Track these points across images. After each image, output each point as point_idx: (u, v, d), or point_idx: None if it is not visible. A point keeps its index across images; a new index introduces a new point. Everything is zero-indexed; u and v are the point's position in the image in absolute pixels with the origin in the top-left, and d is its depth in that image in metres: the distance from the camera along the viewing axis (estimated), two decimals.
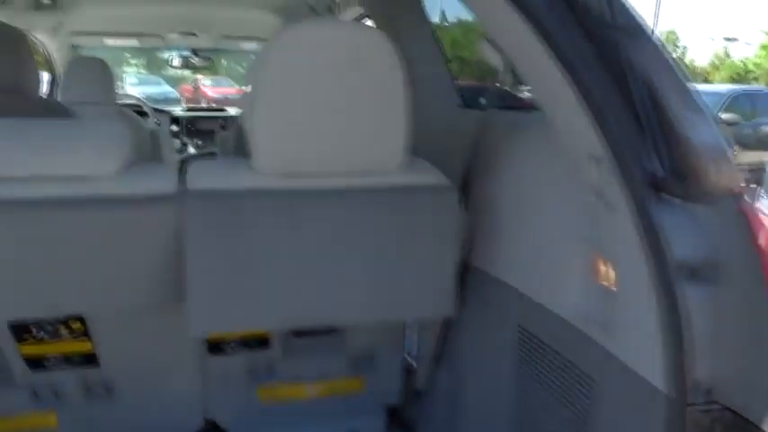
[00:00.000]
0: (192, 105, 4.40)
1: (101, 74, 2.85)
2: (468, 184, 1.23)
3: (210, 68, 4.16)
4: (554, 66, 0.81)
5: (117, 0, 3.03)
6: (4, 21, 2.63)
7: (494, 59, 1.20)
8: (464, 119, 1.45)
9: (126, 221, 1.03)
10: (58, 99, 2.77)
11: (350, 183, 1.10)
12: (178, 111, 4.18)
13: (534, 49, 0.83)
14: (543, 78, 0.89)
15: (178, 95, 16.32)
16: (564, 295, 1.00)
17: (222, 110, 4.38)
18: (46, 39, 3.50)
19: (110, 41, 3.69)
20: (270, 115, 1.05)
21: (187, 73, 19.35)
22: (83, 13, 3.00)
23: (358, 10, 2.31)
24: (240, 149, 1.95)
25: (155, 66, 16.61)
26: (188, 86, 17.44)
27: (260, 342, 1.25)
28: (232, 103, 17.09)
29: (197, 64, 4.04)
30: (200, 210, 1.06)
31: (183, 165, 1.19)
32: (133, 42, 3.74)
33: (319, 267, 1.08)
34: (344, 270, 1.09)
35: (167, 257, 1.04)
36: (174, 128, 4.04)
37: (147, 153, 2.95)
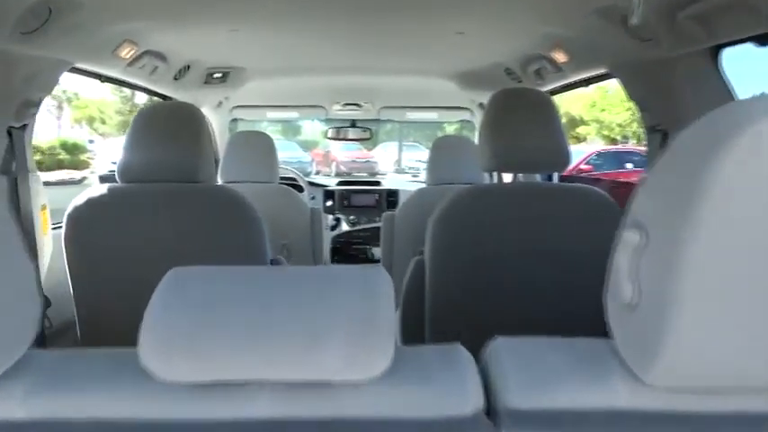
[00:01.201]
0: (345, 179, 4.08)
1: (265, 150, 2.58)
2: None
3: (371, 140, 3.84)
4: None
5: (285, 73, 2.78)
6: (176, 97, 2.43)
7: None
8: None
9: None
10: (218, 175, 2.52)
11: None
12: (333, 185, 3.89)
13: None
14: None
15: (311, 159, 16.86)
16: None
17: (377, 183, 4.02)
18: (208, 112, 3.37)
19: (272, 114, 3.50)
20: (707, 293, 0.50)
21: (318, 137, 20.16)
22: (248, 87, 2.79)
23: (597, 69, 1.82)
24: (446, 248, 1.52)
25: (289, 131, 17.38)
26: (318, 151, 18.04)
27: None
28: (360, 166, 17.47)
29: (355, 136, 3.74)
30: None
31: (485, 356, 0.67)
32: (294, 115, 3.52)
33: None
34: None
35: None
36: (329, 203, 3.73)
37: (308, 233, 2.63)
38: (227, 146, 2.57)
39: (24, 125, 1.54)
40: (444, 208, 1.41)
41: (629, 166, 9.44)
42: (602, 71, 1.82)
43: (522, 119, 1.40)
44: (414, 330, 1.43)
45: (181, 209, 1.44)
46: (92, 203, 1.45)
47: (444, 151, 2.51)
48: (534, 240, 1.34)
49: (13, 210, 1.35)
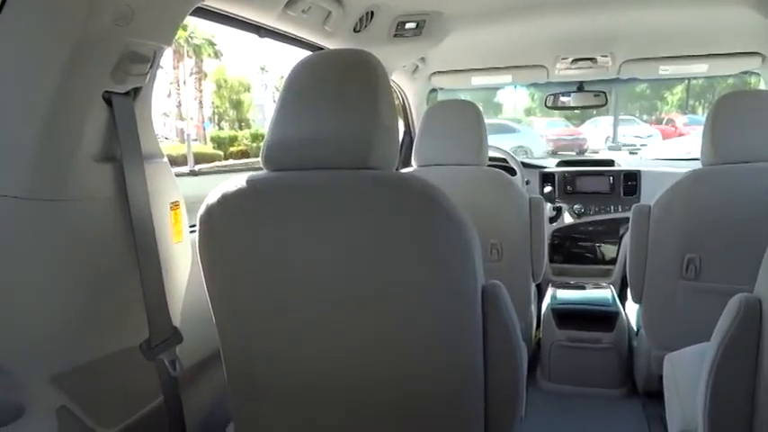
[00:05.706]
0: (567, 158, 3.26)
1: (471, 122, 1.98)
2: None
3: (603, 107, 2.97)
4: None
5: (496, 18, 2.07)
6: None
7: None
8: None
9: None
10: (414, 157, 2.04)
11: None
12: (552, 166, 3.11)
13: None
14: None
15: None
16: None
17: (610, 162, 3.13)
18: (401, 81, 2.82)
19: (479, 80, 2.83)
20: None
21: (521, 115, 18.93)
22: (448, 45, 2.15)
23: None
24: None
25: (490, 110, 16.62)
26: None
27: None
28: (567, 144, 16.07)
29: (585, 102, 2.90)
30: None
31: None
32: (506, 79, 2.81)
33: None
34: None
35: None
36: (548, 188, 2.99)
37: (525, 229, 1.99)
38: (422, 121, 2.04)
39: (134, 89, 1.07)
40: None
41: None
42: None
43: None
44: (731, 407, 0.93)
45: (353, 209, 0.96)
46: (227, 201, 0.97)
47: (738, 114, 1.64)
48: None
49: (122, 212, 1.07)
